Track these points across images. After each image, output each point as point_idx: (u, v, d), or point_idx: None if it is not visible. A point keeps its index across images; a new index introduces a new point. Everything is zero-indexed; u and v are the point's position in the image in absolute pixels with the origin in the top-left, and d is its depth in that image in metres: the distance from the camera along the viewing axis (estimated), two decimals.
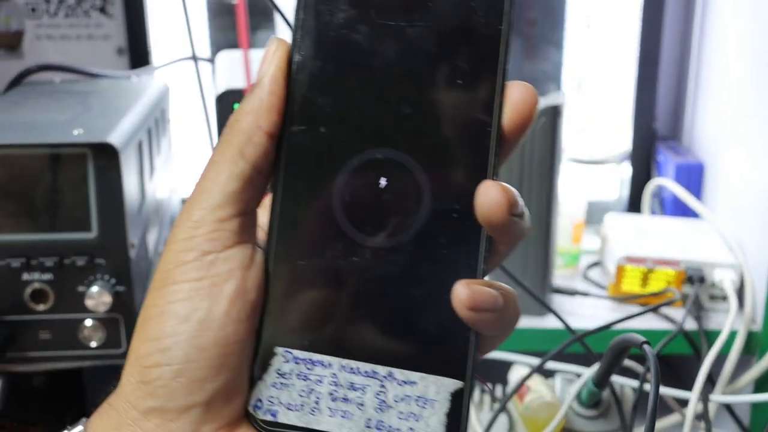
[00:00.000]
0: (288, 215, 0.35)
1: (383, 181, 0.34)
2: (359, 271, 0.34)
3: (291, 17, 0.36)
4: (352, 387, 0.34)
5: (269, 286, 0.35)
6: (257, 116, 0.34)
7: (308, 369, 0.34)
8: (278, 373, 0.35)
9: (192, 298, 0.33)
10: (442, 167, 0.34)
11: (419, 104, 0.34)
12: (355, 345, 0.34)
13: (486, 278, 0.35)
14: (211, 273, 0.33)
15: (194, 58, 1.01)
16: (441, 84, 0.34)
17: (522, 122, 0.34)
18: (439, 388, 0.34)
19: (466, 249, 0.34)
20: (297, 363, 0.35)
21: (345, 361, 0.34)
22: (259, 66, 0.35)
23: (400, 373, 0.34)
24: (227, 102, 0.84)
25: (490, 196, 0.33)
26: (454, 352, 0.34)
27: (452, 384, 0.34)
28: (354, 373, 0.34)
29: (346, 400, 0.34)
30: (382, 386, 0.34)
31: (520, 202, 0.34)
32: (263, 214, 0.36)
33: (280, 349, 0.35)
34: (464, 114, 0.34)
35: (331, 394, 0.34)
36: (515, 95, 0.34)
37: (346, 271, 0.34)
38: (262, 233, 0.36)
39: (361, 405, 0.34)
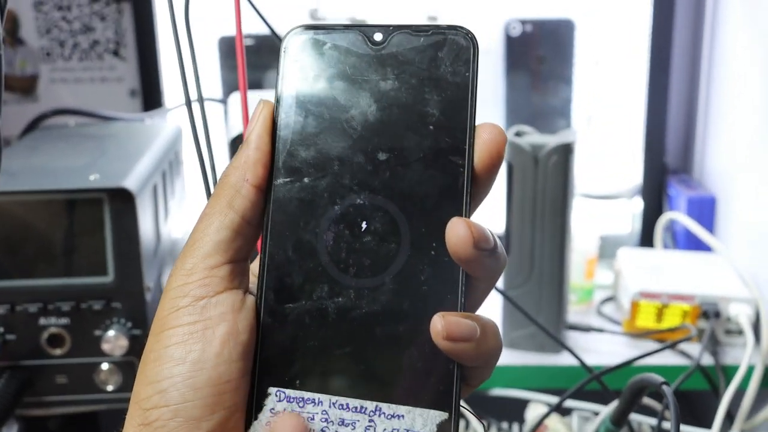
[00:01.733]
0: (276, 261, 0.37)
1: (364, 225, 0.36)
2: (345, 311, 0.36)
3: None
4: (343, 423, 0.36)
5: (260, 329, 0.37)
6: (244, 171, 0.37)
7: (300, 407, 0.36)
8: (272, 412, 0.36)
9: (186, 341, 0.35)
10: (419, 209, 0.36)
11: (395, 151, 0.37)
12: (343, 382, 0.36)
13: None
14: (204, 317, 0.36)
15: (201, 99, 1.02)
16: (414, 131, 0.36)
17: (492, 162, 0.36)
18: (426, 420, 0.35)
19: (444, 285, 0.36)
20: (290, 401, 0.36)
21: (335, 398, 0.36)
22: (247, 126, 0.38)
23: (387, 407, 0.36)
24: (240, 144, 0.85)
25: (456, 232, 0.35)
26: (438, 384, 0.36)
27: (438, 416, 0.35)
28: (344, 409, 0.36)
29: None
30: (371, 421, 0.36)
31: (490, 237, 0.35)
32: (255, 265, 0.38)
33: (272, 389, 0.36)
34: (438, 157, 0.36)
35: (323, 430, 0.36)
36: (485, 136, 0.36)
37: (332, 312, 0.36)
38: (253, 279, 0.38)
39: None
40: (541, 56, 1.19)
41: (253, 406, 0.36)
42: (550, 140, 0.89)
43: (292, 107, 0.37)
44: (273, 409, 0.36)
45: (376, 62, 0.37)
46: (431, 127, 0.36)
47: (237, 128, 0.85)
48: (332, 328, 0.36)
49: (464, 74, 0.37)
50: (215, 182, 0.56)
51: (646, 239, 1.18)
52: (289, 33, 0.38)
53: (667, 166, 1.19)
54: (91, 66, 1.22)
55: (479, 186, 0.37)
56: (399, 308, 0.36)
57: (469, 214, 0.36)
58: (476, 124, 0.37)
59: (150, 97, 1.20)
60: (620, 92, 1.22)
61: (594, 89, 1.22)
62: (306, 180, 0.37)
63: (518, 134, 0.92)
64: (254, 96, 1.03)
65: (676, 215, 1.10)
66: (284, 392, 0.36)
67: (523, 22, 1.18)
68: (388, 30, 0.38)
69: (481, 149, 0.36)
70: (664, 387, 0.58)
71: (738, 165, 1.05)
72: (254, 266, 0.38)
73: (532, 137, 0.91)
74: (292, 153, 0.37)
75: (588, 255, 1.04)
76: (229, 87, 1.20)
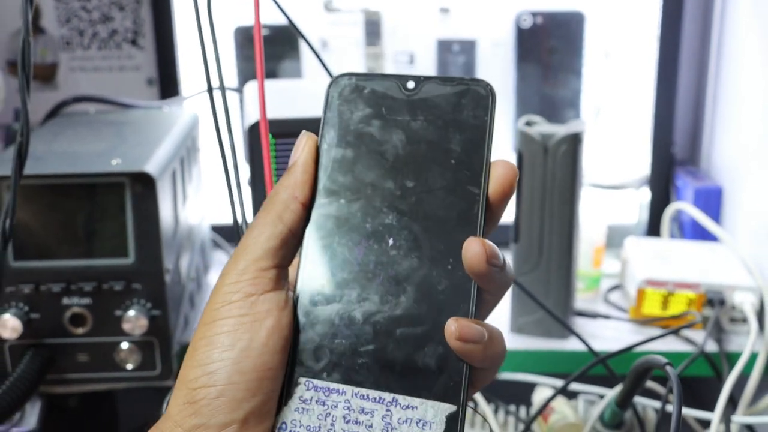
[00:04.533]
0: (312, 268, 0.43)
1: (391, 241, 0.42)
2: (370, 314, 0.41)
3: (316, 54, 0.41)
4: (363, 411, 0.41)
5: (296, 327, 0.42)
6: (294, 189, 0.43)
7: (326, 396, 0.41)
8: (300, 400, 0.41)
9: (236, 330, 0.40)
10: (440, 229, 0.42)
11: (420, 180, 0.42)
12: (365, 375, 0.41)
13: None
14: (253, 311, 0.41)
15: (222, 88, 1.04)
16: (438, 164, 0.42)
17: (504, 192, 0.42)
18: (437, 411, 0.40)
19: (458, 295, 0.41)
20: (317, 391, 0.41)
21: (357, 389, 0.41)
22: (293, 152, 0.44)
23: (403, 399, 0.41)
24: (257, 133, 0.87)
25: (472, 249, 0.40)
26: (449, 381, 0.40)
27: (448, 408, 0.40)
28: (364, 399, 0.41)
29: (357, 422, 0.41)
30: (388, 410, 0.41)
31: (500, 256, 0.41)
32: (293, 271, 0.44)
33: (302, 379, 0.41)
34: (457, 187, 0.42)
35: (344, 417, 0.41)
36: (499, 171, 0.42)
37: (359, 314, 0.41)
38: (293, 282, 0.44)
39: (370, 426, 0.40)
40: (551, 48, 1.21)
41: (284, 392, 0.41)
42: (560, 130, 0.91)
43: (334, 139, 0.44)
44: (302, 396, 0.41)
45: (408, 106, 0.43)
46: (453, 161, 0.42)
47: (254, 116, 0.88)
48: (358, 329, 0.41)
49: (483, 118, 0.42)
50: (236, 167, 0.59)
51: (654, 229, 1.20)
52: (335, 78, 0.44)
53: (675, 157, 1.21)
54: (110, 55, 1.24)
55: (493, 212, 0.42)
56: (418, 313, 0.41)
57: (483, 236, 0.41)
58: (492, 159, 0.42)
59: (167, 85, 1.22)
60: (629, 84, 1.23)
61: (603, 81, 1.23)
62: (342, 201, 0.43)
63: (528, 124, 0.94)
64: (270, 85, 1.05)
65: (683, 205, 1.12)
66: (312, 382, 0.41)
67: (534, 14, 1.20)
68: (419, 80, 0.43)
69: (495, 182, 0.42)
70: (668, 367, 0.60)
71: (744, 157, 1.07)
72: (292, 271, 0.44)
73: (542, 127, 0.93)
74: (332, 178, 0.43)
75: (595, 244, 1.06)
76: (245, 76, 1.23)
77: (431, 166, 0.42)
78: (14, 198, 0.64)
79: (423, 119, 0.43)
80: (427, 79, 0.44)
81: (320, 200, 0.43)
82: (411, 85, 0.43)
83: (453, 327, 0.40)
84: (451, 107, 0.43)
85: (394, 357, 0.41)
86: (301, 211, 0.43)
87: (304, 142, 0.44)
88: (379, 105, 0.43)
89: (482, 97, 0.43)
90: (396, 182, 0.42)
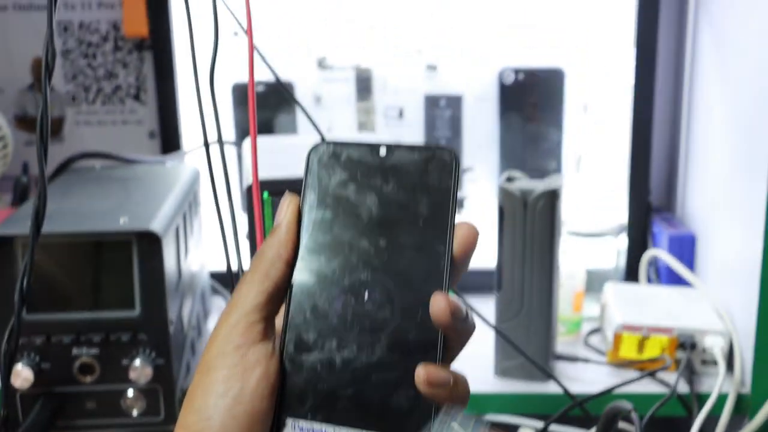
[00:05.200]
0: (295, 320, 0.47)
1: (366, 295, 0.46)
2: (348, 361, 0.46)
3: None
4: None
5: (283, 372, 0.46)
6: (278, 249, 0.47)
7: None
8: None
9: (229, 379, 0.45)
10: (410, 284, 0.46)
11: (392, 239, 0.47)
12: (346, 415, 0.45)
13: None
14: (244, 361, 0.45)
15: (221, 144, 1.10)
16: (408, 224, 0.47)
17: (467, 251, 0.47)
18: None
19: (426, 343, 0.45)
20: (302, 430, 0.46)
21: (338, 428, 0.45)
22: (277, 212, 0.48)
23: None
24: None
25: (438, 304, 0.45)
26: (420, 419, 0.45)
27: None
28: None
29: None
30: None
31: (463, 309, 0.45)
32: (279, 320, 0.48)
33: (289, 420, 0.46)
34: (425, 245, 0.47)
35: None
36: (463, 231, 0.47)
37: (339, 361, 0.46)
38: (278, 331, 0.48)
39: None
40: (533, 102, 1.28)
41: None
42: (538, 185, 0.97)
43: (314, 202, 0.48)
44: None
45: (380, 171, 0.48)
46: (421, 222, 0.47)
47: (251, 176, 0.93)
48: (338, 374, 0.46)
49: (447, 183, 0.47)
50: (233, 220, 0.63)
51: (632, 274, 1.26)
52: (315, 145, 0.49)
53: (652, 205, 1.27)
54: (113, 109, 1.30)
55: (457, 268, 0.47)
56: (391, 360, 0.46)
57: (448, 290, 0.46)
58: (456, 222, 0.47)
59: (168, 139, 1.28)
60: (607, 135, 1.30)
61: (582, 133, 1.30)
62: (323, 258, 0.47)
63: (509, 179, 1.00)
64: (265, 143, 1.11)
65: (659, 252, 1.18)
66: (298, 423, 0.46)
67: (516, 71, 1.26)
68: (390, 147, 0.48)
69: (459, 241, 0.46)
70: (633, 414, 0.65)
71: (714, 205, 1.13)
72: (279, 320, 0.48)
73: (522, 182, 0.99)
74: (313, 237, 0.48)
75: (576, 289, 1.12)
76: (242, 130, 1.29)
77: (402, 226, 0.47)
78: (31, 260, 0.69)
79: (394, 183, 0.47)
80: (398, 146, 0.48)
81: (303, 257, 0.47)
82: (383, 152, 0.48)
83: (422, 372, 0.44)
84: (419, 172, 0.47)
85: (371, 399, 0.45)
86: (285, 269, 0.47)
87: (287, 204, 0.48)
88: (355, 170, 0.48)
89: (447, 163, 0.47)
90: (370, 241, 0.47)
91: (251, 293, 0.46)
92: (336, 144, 0.49)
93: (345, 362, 0.46)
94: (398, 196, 0.47)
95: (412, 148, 0.48)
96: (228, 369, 0.45)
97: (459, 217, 0.47)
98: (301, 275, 0.47)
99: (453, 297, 0.45)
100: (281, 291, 0.47)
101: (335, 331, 0.46)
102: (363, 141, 0.49)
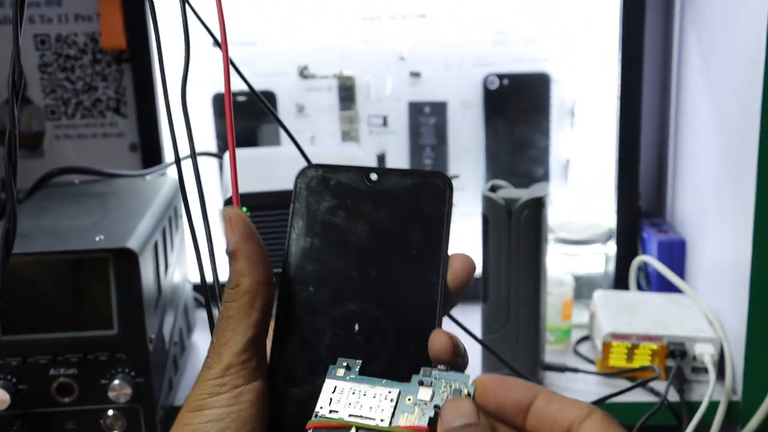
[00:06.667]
0: (285, 353, 0.45)
1: (356, 327, 0.45)
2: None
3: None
4: None
5: (273, 407, 0.45)
6: (252, 275, 0.44)
7: None
8: None
9: (223, 420, 0.43)
10: (402, 315, 0.45)
11: (383, 268, 0.45)
12: None
13: None
14: (239, 401, 0.43)
15: (194, 160, 1.08)
16: (400, 253, 0.45)
17: (462, 283, 0.45)
18: None
19: None
20: None
21: None
22: (225, 235, 0.44)
23: None
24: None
25: (440, 341, 0.43)
26: None
27: None
28: None
29: None
30: None
31: (461, 345, 0.44)
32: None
33: None
34: (418, 275, 0.45)
35: None
36: (457, 263, 0.45)
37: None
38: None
39: None
40: (518, 108, 1.26)
41: None
42: (523, 194, 0.96)
43: (302, 229, 0.46)
44: None
45: (371, 197, 0.46)
46: (413, 251, 0.45)
47: (230, 189, 0.92)
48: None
49: (441, 210, 0.45)
50: (209, 236, 0.61)
51: (622, 280, 1.24)
52: (303, 169, 0.47)
53: (641, 210, 1.26)
54: (94, 123, 1.29)
55: (451, 298, 0.45)
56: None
57: (440, 322, 0.44)
58: (450, 253, 0.45)
59: (150, 152, 1.26)
60: (595, 140, 1.28)
61: (570, 138, 1.29)
62: (311, 289, 0.45)
63: (493, 189, 0.99)
64: (245, 154, 1.09)
65: (648, 259, 1.17)
66: None
67: (501, 77, 1.25)
68: (381, 171, 0.46)
69: (454, 274, 0.45)
70: None
71: (704, 210, 1.12)
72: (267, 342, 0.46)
73: (507, 191, 0.98)
74: (300, 266, 0.46)
75: (564, 297, 1.10)
76: (224, 141, 1.27)
77: (393, 255, 0.45)
78: (4, 281, 0.68)
79: (385, 210, 0.46)
80: (389, 171, 0.46)
81: (289, 288, 0.45)
82: (374, 177, 0.46)
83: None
84: (411, 199, 0.45)
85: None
86: (268, 293, 0.44)
87: (233, 225, 0.44)
88: (344, 196, 0.46)
89: (440, 189, 0.45)
90: (360, 271, 0.45)
91: (239, 329, 0.44)
92: (325, 168, 0.47)
93: None
94: (390, 223, 0.46)
95: (404, 173, 0.46)
96: (223, 409, 0.43)
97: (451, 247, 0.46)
98: (289, 306, 0.46)
99: (453, 334, 0.44)
100: (268, 316, 0.45)
101: (324, 364, 0.44)
102: (352, 166, 0.47)
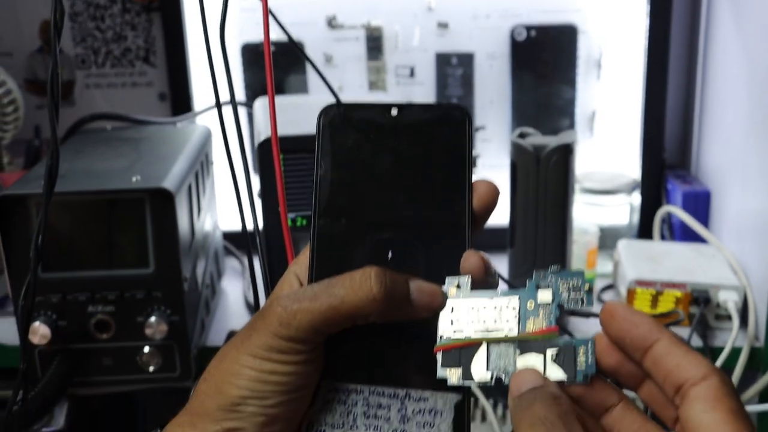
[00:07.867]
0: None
1: (390, 254, 0.46)
2: (382, 322, 0.44)
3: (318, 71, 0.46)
4: (380, 406, 0.45)
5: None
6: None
7: (346, 396, 0.45)
8: (324, 401, 0.45)
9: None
10: (433, 240, 0.46)
11: (411, 197, 0.47)
12: (380, 375, 0.45)
13: None
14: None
15: (234, 105, 1.10)
16: (425, 182, 0.47)
17: (487, 208, 0.47)
18: (445, 401, 0.44)
19: None
20: (338, 392, 0.45)
21: (373, 387, 0.45)
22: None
23: (414, 393, 0.45)
24: (267, 148, 0.92)
25: (472, 262, 0.45)
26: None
27: (455, 397, 0.44)
28: (380, 395, 0.45)
29: (376, 417, 0.44)
30: (402, 404, 0.45)
31: (492, 264, 0.46)
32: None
33: (324, 382, 0.45)
34: (444, 202, 0.46)
35: (364, 413, 0.45)
36: (481, 189, 0.47)
37: (370, 324, 0.44)
38: None
39: (388, 419, 0.44)
40: (545, 59, 1.26)
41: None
42: (552, 141, 0.97)
43: (329, 164, 0.47)
44: (325, 398, 0.45)
45: (393, 130, 0.47)
46: (438, 179, 0.47)
47: (264, 133, 0.93)
48: (371, 335, 0.45)
49: (461, 140, 0.47)
50: (248, 180, 0.62)
51: (646, 231, 1.25)
52: (325, 108, 0.48)
53: (666, 162, 1.26)
54: (123, 72, 1.30)
55: (478, 222, 0.47)
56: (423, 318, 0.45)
57: (470, 244, 0.46)
58: (474, 179, 0.47)
59: (179, 101, 1.27)
60: (621, 92, 1.28)
61: (596, 90, 1.29)
62: (343, 221, 0.47)
63: (522, 135, 1.00)
64: (277, 101, 1.10)
65: (673, 209, 1.18)
66: (334, 384, 0.45)
67: (528, 28, 1.25)
68: (401, 107, 0.48)
69: (479, 198, 0.47)
70: None
71: (729, 161, 1.12)
72: (303, 270, 0.47)
73: (535, 138, 0.99)
74: (330, 201, 0.47)
75: (589, 246, 1.11)
76: (252, 91, 1.28)
77: (420, 184, 0.47)
78: (46, 218, 0.70)
79: (408, 142, 0.47)
80: (409, 106, 0.48)
81: (320, 221, 0.47)
82: (394, 112, 0.48)
83: None
84: (432, 131, 0.47)
85: (404, 357, 0.45)
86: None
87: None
88: (367, 131, 0.47)
89: (459, 120, 0.47)
90: (389, 201, 0.46)
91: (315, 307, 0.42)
92: (346, 105, 0.48)
93: (375, 325, 0.44)
94: (413, 154, 0.47)
95: (423, 107, 0.48)
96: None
97: (475, 176, 0.47)
98: (321, 241, 0.47)
99: (485, 255, 0.45)
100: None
101: None
102: (373, 102, 0.49)
